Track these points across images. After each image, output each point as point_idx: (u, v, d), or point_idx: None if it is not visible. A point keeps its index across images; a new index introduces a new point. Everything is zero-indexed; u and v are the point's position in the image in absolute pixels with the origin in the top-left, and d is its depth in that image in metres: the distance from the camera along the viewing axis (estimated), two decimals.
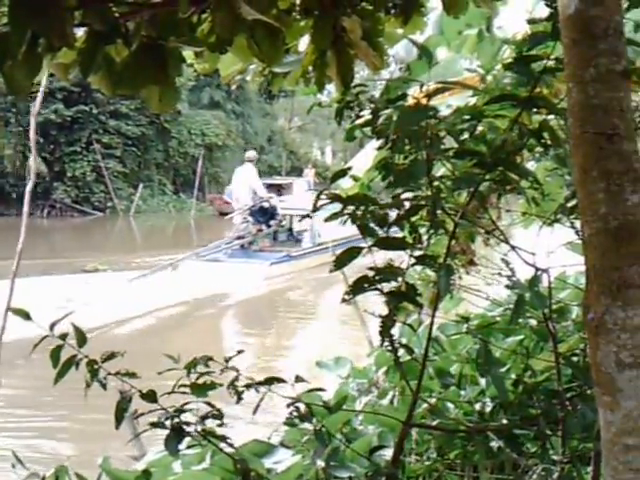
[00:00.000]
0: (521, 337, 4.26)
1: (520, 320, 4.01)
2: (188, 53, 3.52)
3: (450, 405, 3.84)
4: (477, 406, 3.77)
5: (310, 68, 3.55)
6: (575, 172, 1.82)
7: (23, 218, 6.89)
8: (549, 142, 2.92)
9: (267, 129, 58.10)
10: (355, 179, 4.68)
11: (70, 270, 22.73)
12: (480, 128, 3.11)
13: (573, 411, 2.74)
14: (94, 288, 18.87)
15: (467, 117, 3.08)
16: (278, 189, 51.65)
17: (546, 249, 3.83)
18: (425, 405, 3.65)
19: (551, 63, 2.81)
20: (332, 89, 3.54)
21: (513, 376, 3.93)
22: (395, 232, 3.01)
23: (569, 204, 3.27)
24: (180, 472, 3.93)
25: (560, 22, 1.86)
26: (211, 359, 2.80)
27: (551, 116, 2.99)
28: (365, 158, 4.94)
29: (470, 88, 3.21)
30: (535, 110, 2.97)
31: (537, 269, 3.19)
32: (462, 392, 4.14)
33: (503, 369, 4.04)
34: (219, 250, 24.37)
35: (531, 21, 2.99)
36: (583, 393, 2.71)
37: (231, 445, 2.96)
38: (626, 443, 1.75)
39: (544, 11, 2.91)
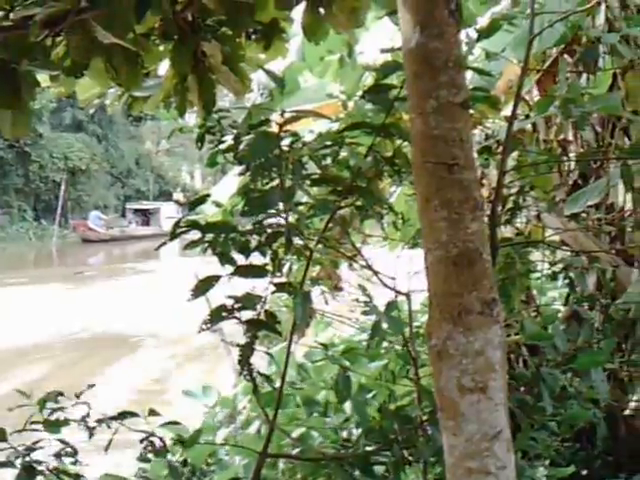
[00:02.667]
0: (385, 362, 4.29)
1: (386, 344, 4.06)
2: (44, 76, 3.42)
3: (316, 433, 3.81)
4: (344, 433, 3.76)
5: (171, 92, 3.51)
6: (418, 201, 1.86)
7: None
8: (403, 168, 2.96)
9: (134, 152, 57.02)
10: (218, 205, 4.64)
11: None
12: (343, 153, 3.15)
13: (426, 436, 2.77)
14: None
15: (329, 143, 3.11)
16: (145, 214, 50.89)
17: (408, 273, 3.91)
18: (295, 433, 3.63)
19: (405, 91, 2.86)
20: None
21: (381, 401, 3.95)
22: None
23: None
24: None
25: (403, 55, 1.90)
26: (61, 394, 2.69)
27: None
28: (230, 183, 4.92)
29: (323, 117, 3.24)
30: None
31: (397, 293, 3.24)
32: (327, 419, 4.11)
33: (369, 395, 4.06)
34: None
35: (385, 50, 3.04)
36: (434, 418, 2.75)
37: None
38: (469, 467, 1.79)
39: None
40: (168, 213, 42.85)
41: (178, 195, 47.10)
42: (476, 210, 1.82)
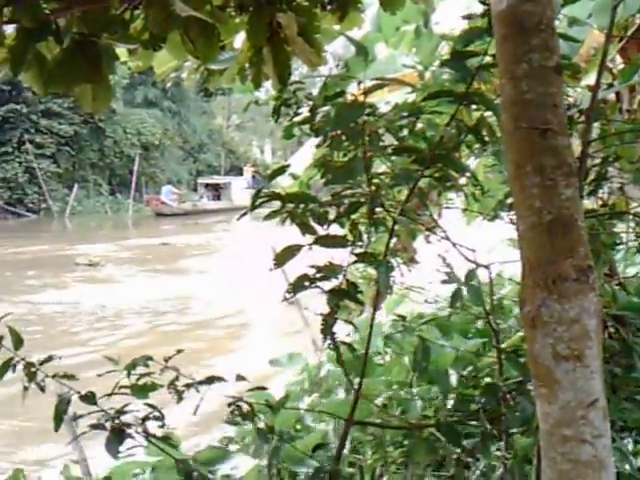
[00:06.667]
0: (470, 337, 4.25)
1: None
2: (121, 50, 3.45)
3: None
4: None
5: (246, 65, 3.52)
6: (509, 167, 1.82)
7: None
8: (487, 138, 2.92)
9: (205, 128, 57.50)
10: (294, 177, 4.65)
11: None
12: (420, 125, 3.11)
13: (513, 405, 2.75)
14: None
15: (406, 114, 3.08)
16: (215, 188, 51.53)
17: (488, 245, 3.86)
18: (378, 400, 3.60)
19: (488, 59, 2.80)
20: (270, 86, 3.50)
21: (465, 373, 3.91)
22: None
23: (508, 200, 3.29)
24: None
25: (492, 18, 1.86)
26: (150, 359, 2.75)
27: (489, 112, 3.00)
28: (305, 156, 4.93)
29: (407, 85, 3.21)
30: (475, 106, 2.97)
31: (477, 265, 3.20)
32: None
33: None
34: None
35: (467, 17, 2.99)
36: (522, 387, 2.72)
37: (174, 446, 2.92)
38: (564, 434, 1.76)
39: (481, 6, 2.91)
40: (239, 187, 43.15)
41: (248, 169, 47.43)
42: (570, 176, 1.78)
